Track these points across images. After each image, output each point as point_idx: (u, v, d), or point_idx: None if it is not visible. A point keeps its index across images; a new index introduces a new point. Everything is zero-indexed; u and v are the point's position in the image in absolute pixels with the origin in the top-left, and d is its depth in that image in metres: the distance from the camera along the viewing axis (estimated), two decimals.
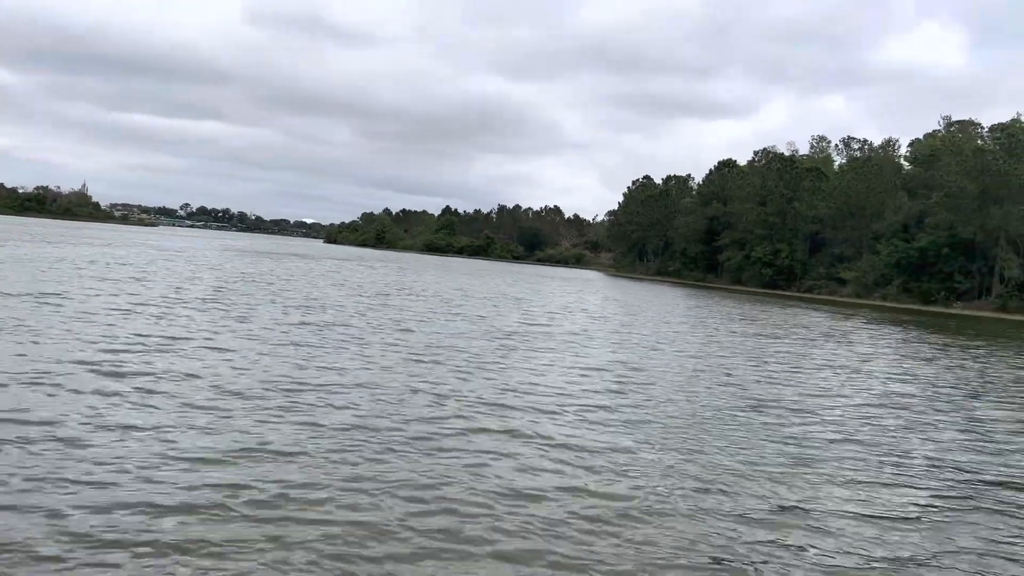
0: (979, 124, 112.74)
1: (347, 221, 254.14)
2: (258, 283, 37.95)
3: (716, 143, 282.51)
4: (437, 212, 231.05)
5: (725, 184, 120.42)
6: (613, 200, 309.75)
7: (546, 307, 40.55)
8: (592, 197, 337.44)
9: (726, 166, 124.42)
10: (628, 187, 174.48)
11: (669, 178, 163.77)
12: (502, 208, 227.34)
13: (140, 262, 46.21)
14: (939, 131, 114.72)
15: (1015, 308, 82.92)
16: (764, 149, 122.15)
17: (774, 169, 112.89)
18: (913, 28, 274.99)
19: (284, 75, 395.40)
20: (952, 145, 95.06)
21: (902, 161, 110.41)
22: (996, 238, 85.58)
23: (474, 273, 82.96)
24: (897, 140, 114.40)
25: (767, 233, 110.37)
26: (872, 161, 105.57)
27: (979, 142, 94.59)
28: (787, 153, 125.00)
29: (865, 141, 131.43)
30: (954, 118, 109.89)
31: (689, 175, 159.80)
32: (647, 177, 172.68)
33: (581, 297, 55.23)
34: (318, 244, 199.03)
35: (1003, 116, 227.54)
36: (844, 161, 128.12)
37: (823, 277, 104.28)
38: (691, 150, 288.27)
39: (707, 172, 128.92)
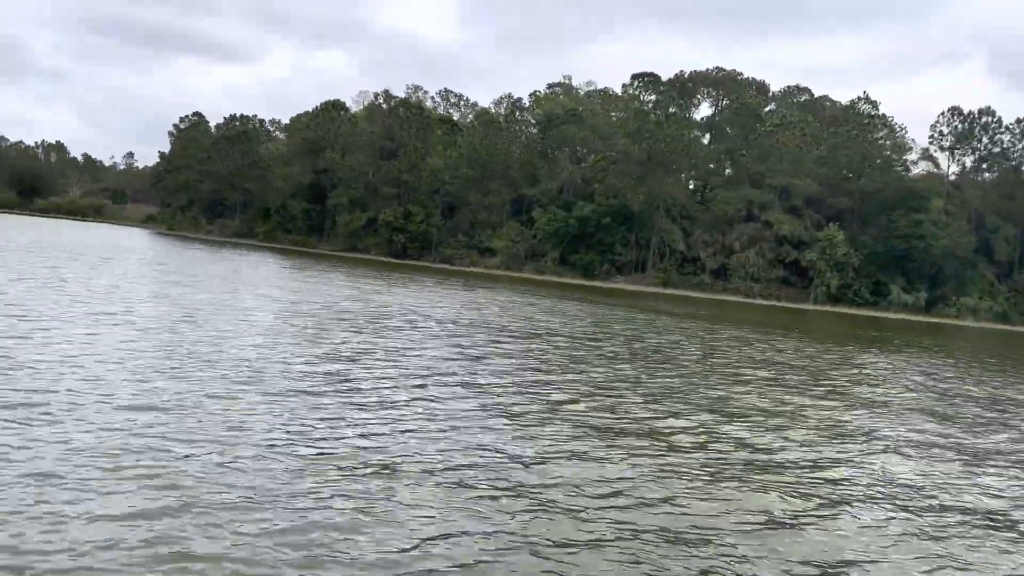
0: (574, 84, 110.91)
1: None
2: None
3: (220, 88, 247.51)
4: None
5: (337, 130, 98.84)
6: (102, 141, 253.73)
7: None
8: (71, 137, 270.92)
9: (334, 107, 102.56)
10: (175, 126, 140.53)
11: (234, 117, 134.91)
12: None
13: None
14: (545, 92, 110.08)
15: (679, 283, 79.71)
16: (386, 91, 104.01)
17: (401, 116, 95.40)
18: None
19: None
20: (578, 104, 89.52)
21: (529, 119, 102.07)
22: (656, 207, 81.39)
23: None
24: (518, 99, 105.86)
25: (396, 192, 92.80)
26: (514, 119, 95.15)
27: (636, 104, 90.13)
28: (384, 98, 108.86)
29: (460, 96, 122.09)
30: (450, 86, 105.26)
31: (271, 119, 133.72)
32: (198, 114, 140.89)
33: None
34: None
35: (491, 88, 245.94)
36: (443, 113, 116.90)
37: (464, 246, 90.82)
38: (192, 94, 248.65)
39: (310, 112, 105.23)
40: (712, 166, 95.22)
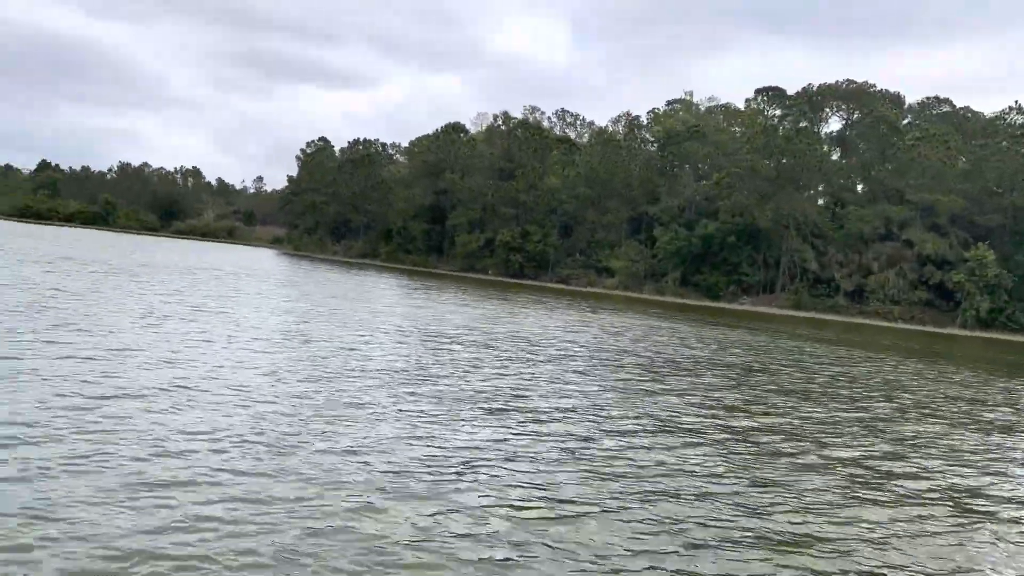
0: (697, 101, 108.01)
1: None
2: None
3: (340, 112, 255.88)
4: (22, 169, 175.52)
5: (457, 152, 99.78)
6: (233, 166, 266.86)
7: None
8: (206, 161, 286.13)
9: (454, 130, 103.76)
10: (302, 150, 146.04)
11: (357, 141, 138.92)
12: (124, 167, 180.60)
13: None
14: (664, 109, 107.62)
15: (811, 306, 75.62)
16: (504, 113, 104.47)
17: (520, 137, 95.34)
18: (520, 18, 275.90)
19: None
20: (698, 121, 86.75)
21: (648, 137, 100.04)
22: (786, 226, 77.69)
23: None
24: (636, 116, 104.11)
25: (514, 213, 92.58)
26: (634, 136, 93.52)
27: (762, 119, 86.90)
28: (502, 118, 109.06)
29: (577, 116, 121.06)
30: (567, 106, 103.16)
31: (393, 142, 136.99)
32: (323, 139, 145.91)
33: None
34: None
35: (607, 108, 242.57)
36: (560, 133, 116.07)
37: (580, 266, 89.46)
38: (315, 119, 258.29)
39: (431, 135, 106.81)
40: (843, 182, 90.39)
